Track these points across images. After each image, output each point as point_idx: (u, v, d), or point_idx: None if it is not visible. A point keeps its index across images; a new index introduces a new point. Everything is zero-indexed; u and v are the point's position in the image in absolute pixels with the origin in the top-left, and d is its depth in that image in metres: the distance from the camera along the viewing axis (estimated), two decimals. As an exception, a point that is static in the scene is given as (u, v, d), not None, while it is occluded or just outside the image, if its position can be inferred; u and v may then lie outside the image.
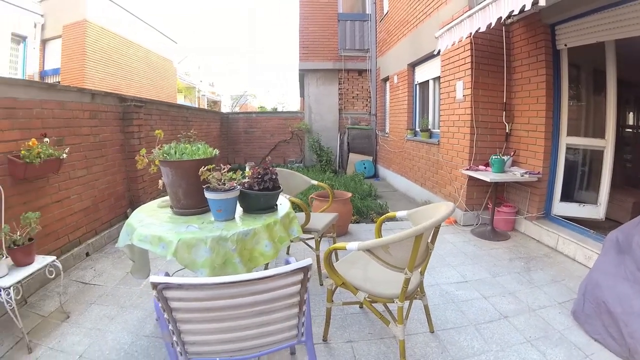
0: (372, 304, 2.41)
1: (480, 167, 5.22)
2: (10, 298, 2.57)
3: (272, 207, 2.72)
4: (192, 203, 2.59)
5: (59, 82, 13.87)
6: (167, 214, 2.68)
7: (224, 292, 1.50)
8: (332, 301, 2.60)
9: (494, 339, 2.71)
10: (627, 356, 2.40)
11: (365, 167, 10.97)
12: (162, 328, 1.69)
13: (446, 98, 6.15)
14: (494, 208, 5.06)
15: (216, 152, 2.74)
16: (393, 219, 2.97)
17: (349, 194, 5.36)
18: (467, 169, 5.25)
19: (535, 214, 4.91)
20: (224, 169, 2.51)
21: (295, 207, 3.53)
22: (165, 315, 1.56)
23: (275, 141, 12.99)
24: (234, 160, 12.82)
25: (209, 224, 2.42)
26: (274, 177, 2.64)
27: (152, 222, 2.52)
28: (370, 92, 11.97)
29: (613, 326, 2.52)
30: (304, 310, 1.75)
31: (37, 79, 14.49)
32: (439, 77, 6.66)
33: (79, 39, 14.21)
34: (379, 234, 2.95)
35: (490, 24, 3.99)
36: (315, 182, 4.29)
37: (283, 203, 2.91)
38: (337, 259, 3.42)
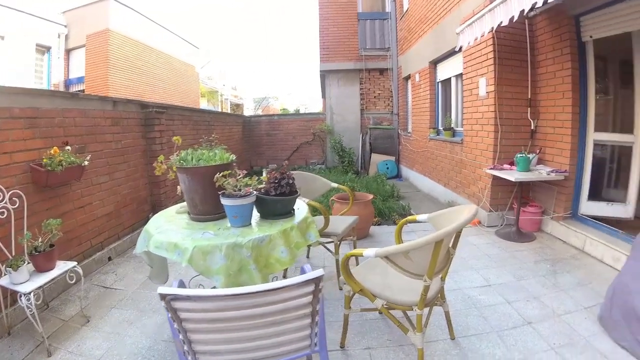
0: (390, 311, 2.36)
1: (505, 166, 5.07)
2: (31, 303, 2.65)
3: (289, 212, 2.70)
4: (209, 209, 2.60)
5: (83, 90, 14.40)
6: (185, 220, 2.70)
7: (232, 304, 1.49)
8: (350, 307, 2.56)
9: (517, 347, 2.62)
10: None
11: (387, 168, 10.85)
12: (174, 337, 1.70)
13: (469, 95, 6.02)
14: (519, 208, 4.90)
15: (232, 157, 2.74)
16: (415, 221, 2.90)
17: (370, 196, 5.31)
18: (491, 168, 5.12)
19: (562, 214, 4.74)
20: (239, 174, 2.51)
21: (316, 210, 3.51)
22: (175, 325, 1.56)
23: (298, 143, 13.07)
24: (256, 163, 12.94)
25: (225, 230, 2.42)
26: (290, 181, 2.62)
27: (169, 228, 2.54)
28: (392, 92, 11.85)
29: (641, 333, 2.40)
30: (316, 320, 1.73)
31: (62, 87, 15.08)
32: (461, 74, 6.54)
33: (102, 48, 14.66)
34: (399, 239, 2.88)
35: (513, 17, 3.87)
36: (335, 185, 4.25)
37: (301, 207, 2.89)
38: (357, 263, 3.38)
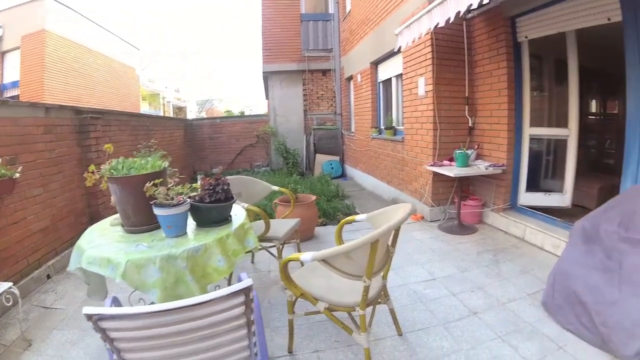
0: (335, 312, 2.30)
1: (445, 162, 5.19)
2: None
3: (226, 219, 2.61)
4: (143, 220, 2.46)
5: (18, 95, 13.43)
6: (119, 233, 2.55)
7: (161, 320, 1.43)
8: (294, 312, 2.49)
9: (464, 337, 2.64)
10: (601, 345, 2.37)
11: (332, 168, 10.90)
12: (109, 357, 1.65)
13: (408, 95, 6.11)
14: (459, 202, 5.02)
15: (165, 164, 2.60)
16: (354, 221, 2.87)
17: (314, 197, 5.24)
18: (431, 165, 5.21)
19: (502, 206, 4.91)
20: (171, 182, 2.43)
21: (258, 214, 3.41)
22: (108, 346, 1.50)
23: (241, 146, 12.82)
24: (200, 167, 12.51)
25: (160, 241, 2.31)
26: (225, 187, 2.53)
27: (102, 242, 2.40)
28: (335, 92, 11.91)
29: (585, 316, 2.49)
30: (253, 330, 1.68)
31: (-5, 93, 13.96)
32: (401, 75, 6.63)
33: (38, 50, 13.76)
34: (339, 240, 2.85)
35: (449, 18, 3.94)
36: (276, 188, 4.19)
37: (238, 213, 2.80)
38: (303, 265, 3.29)
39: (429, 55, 5.29)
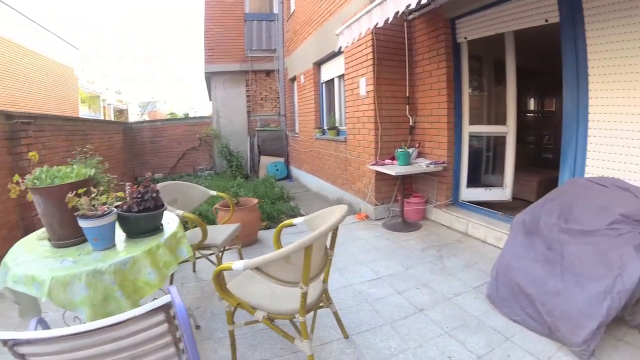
0: (275, 321, 2.21)
1: (387, 161, 5.23)
2: None
3: (157, 229, 2.44)
4: (70, 233, 2.26)
5: None
6: (46, 247, 2.34)
7: (80, 343, 1.35)
8: (234, 322, 2.37)
9: (411, 336, 2.61)
10: (549, 334, 2.41)
11: (277, 169, 10.76)
12: None
13: (350, 95, 6.12)
14: (402, 200, 5.07)
15: (90, 172, 2.40)
16: (291, 225, 2.77)
17: (255, 201, 5.07)
18: (373, 164, 5.23)
19: (444, 202, 5.01)
20: (94, 192, 2.22)
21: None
22: None
23: (184, 149, 12.32)
24: (141, 173, 11.85)
25: (87, 255, 2.12)
26: (155, 195, 2.36)
27: (27, 258, 2.19)
28: (278, 93, 11.76)
29: (530, 307, 2.53)
30: (182, 347, 1.59)
31: None
32: (343, 75, 6.62)
33: None
34: (278, 244, 2.76)
35: (388, 18, 3.94)
36: (214, 193, 4.00)
37: (171, 222, 2.62)
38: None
39: (370, 56, 5.31)
